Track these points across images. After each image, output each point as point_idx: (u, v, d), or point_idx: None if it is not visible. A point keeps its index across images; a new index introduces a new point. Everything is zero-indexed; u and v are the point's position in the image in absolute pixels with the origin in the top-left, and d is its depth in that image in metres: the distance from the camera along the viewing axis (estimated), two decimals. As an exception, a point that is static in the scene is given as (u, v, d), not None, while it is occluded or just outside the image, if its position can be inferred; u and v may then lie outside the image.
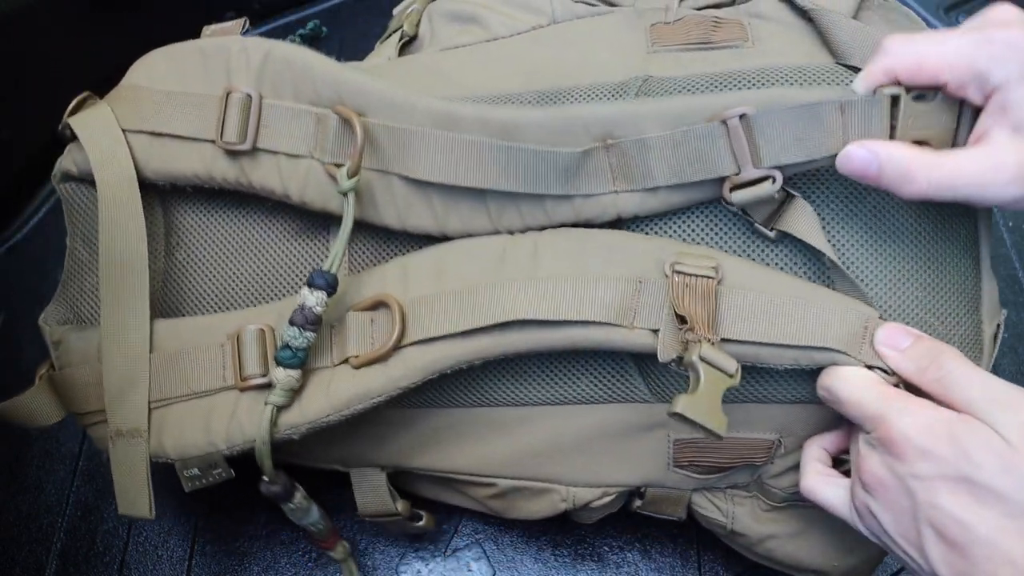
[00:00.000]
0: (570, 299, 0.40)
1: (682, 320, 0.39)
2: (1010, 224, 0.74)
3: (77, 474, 0.63)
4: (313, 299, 0.41)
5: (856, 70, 0.42)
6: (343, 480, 0.53)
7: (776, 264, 0.43)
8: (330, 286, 0.42)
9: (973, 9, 0.87)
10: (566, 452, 0.47)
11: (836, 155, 0.39)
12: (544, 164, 0.41)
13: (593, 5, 0.50)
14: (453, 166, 0.42)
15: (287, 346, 0.42)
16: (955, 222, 0.43)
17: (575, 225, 0.43)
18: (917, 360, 0.38)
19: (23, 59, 0.75)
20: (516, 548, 0.59)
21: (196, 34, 0.53)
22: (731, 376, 0.39)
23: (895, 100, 0.38)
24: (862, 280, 0.42)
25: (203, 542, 0.60)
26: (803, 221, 0.41)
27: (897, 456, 0.35)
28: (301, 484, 0.50)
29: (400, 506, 0.52)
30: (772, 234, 0.42)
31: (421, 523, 0.54)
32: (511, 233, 0.44)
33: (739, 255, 0.43)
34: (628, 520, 0.55)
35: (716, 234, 0.43)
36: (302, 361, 0.42)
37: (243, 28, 0.50)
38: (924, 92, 0.38)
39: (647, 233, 0.44)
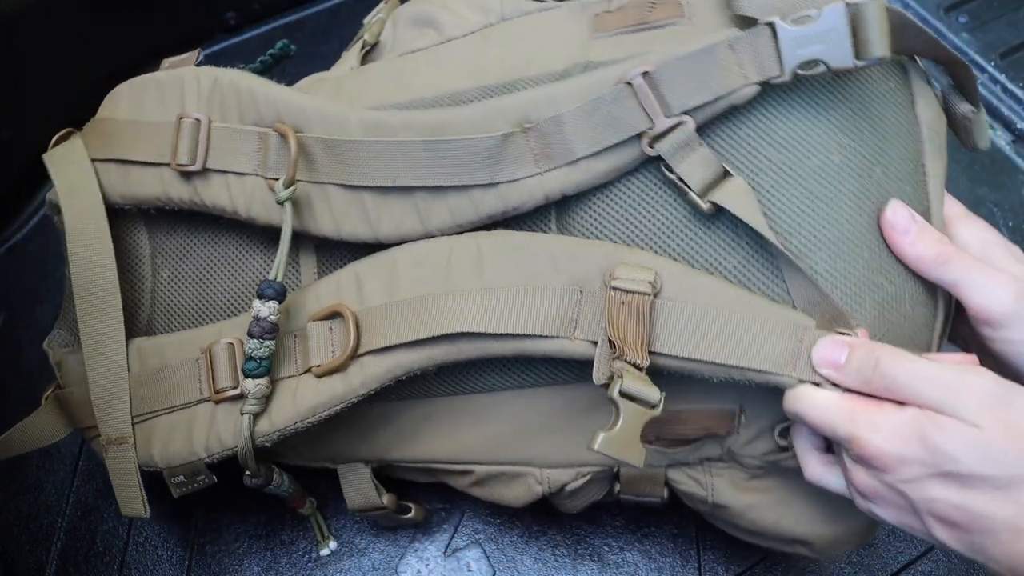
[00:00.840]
0: (513, 311, 0.42)
1: (614, 345, 0.40)
2: (1010, 224, 0.74)
3: (77, 474, 0.64)
4: (266, 309, 0.44)
5: (752, 21, 0.41)
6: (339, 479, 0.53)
7: (720, 251, 0.42)
8: (279, 294, 0.45)
9: (973, 9, 0.87)
10: (536, 433, 0.48)
11: (742, 91, 0.40)
12: (466, 152, 0.43)
13: (541, 0, 0.51)
14: (384, 168, 0.44)
15: (251, 357, 0.45)
16: (905, 196, 0.42)
17: (504, 214, 0.44)
18: (858, 373, 0.39)
19: (23, 59, 0.75)
20: (516, 548, 0.58)
21: (196, 34, 0.54)
22: (653, 407, 0.39)
23: (773, 28, 0.39)
24: (812, 269, 0.42)
25: (203, 542, 0.60)
26: (739, 198, 0.41)
27: (880, 469, 0.37)
28: (297, 482, 0.53)
29: (386, 499, 0.53)
30: (706, 207, 0.41)
31: (410, 515, 0.56)
32: (444, 236, 0.45)
33: (682, 244, 0.43)
34: (628, 520, 0.55)
35: (655, 223, 0.43)
36: (268, 369, 0.45)
37: (197, 59, 0.53)
38: (807, 16, 0.39)
39: (585, 219, 0.44)
